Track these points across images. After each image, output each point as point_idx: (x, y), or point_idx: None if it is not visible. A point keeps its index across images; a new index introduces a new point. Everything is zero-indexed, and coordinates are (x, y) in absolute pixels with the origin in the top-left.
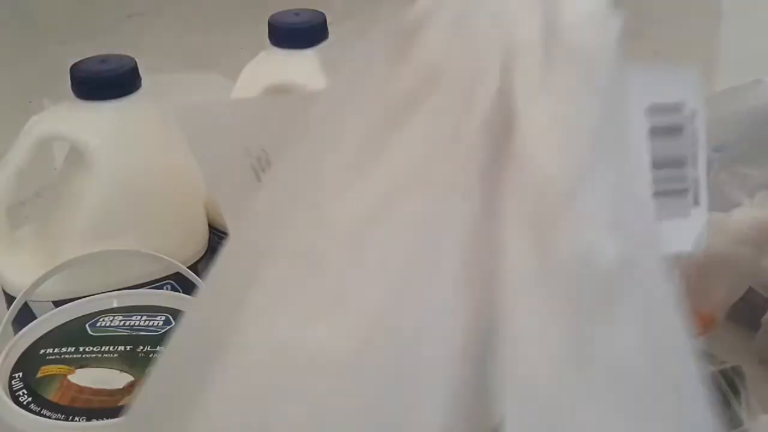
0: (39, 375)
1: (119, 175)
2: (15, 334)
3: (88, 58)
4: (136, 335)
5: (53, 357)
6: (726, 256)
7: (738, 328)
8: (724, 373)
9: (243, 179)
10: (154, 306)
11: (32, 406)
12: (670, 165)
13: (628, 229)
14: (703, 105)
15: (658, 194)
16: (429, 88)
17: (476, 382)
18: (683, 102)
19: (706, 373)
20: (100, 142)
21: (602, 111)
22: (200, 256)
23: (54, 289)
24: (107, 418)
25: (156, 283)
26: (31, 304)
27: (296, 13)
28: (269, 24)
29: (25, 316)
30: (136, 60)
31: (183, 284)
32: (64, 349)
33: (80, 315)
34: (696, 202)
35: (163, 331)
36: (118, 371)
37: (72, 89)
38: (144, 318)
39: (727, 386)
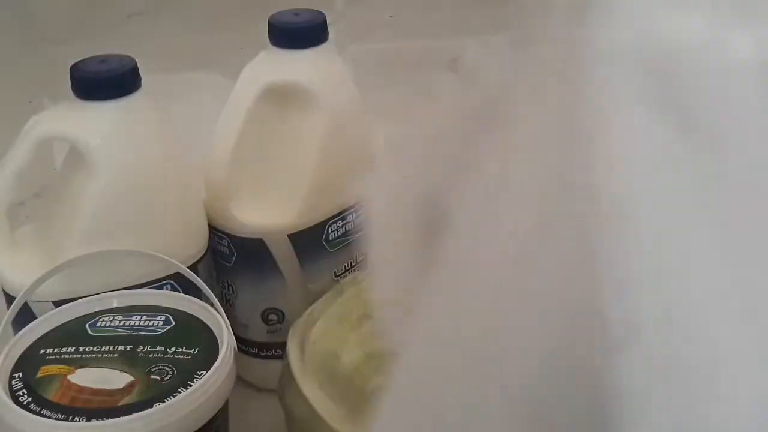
0: (39, 375)
1: (119, 175)
2: (15, 334)
3: (88, 58)
4: (136, 335)
5: (53, 357)
6: None
7: None
8: None
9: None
10: (154, 306)
11: (32, 406)
12: None
13: None
14: None
15: None
16: None
17: None
18: None
19: None
20: (100, 142)
21: None
22: (200, 256)
23: (54, 289)
24: (107, 418)
25: (156, 283)
26: (31, 304)
27: (296, 13)
28: (269, 24)
29: (25, 316)
30: (136, 60)
31: (183, 284)
32: (64, 349)
33: (80, 315)
34: None
35: (163, 331)
36: (118, 371)
37: (72, 89)
38: (144, 318)
39: None
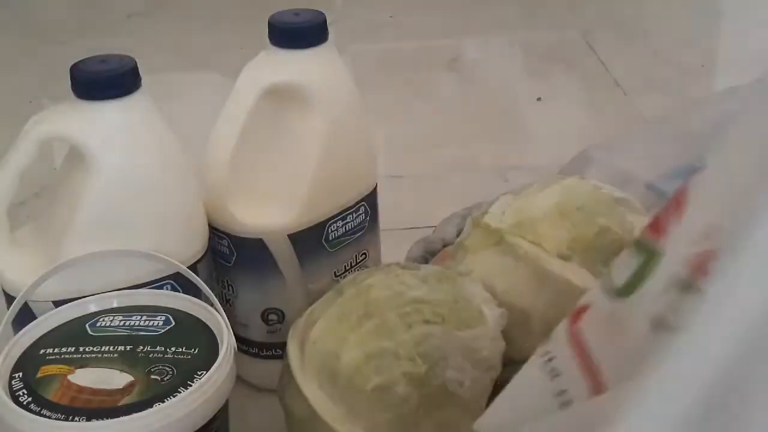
0: (39, 375)
1: (119, 175)
2: (15, 334)
3: (88, 58)
4: (136, 335)
5: (53, 357)
6: None
7: None
8: None
9: None
10: (154, 306)
11: (32, 406)
12: None
13: None
14: None
15: None
16: None
17: None
18: None
19: None
20: (100, 142)
21: None
22: (200, 256)
23: (54, 289)
24: (107, 418)
25: (156, 283)
26: (31, 304)
27: (296, 13)
28: (269, 24)
29: (25, 316)
30: (136, 60)
31: (183, 284)
32: (64, 349)
33: (80, 315)
34: None
35: (163, 331)
36: (118, 371)
37: (72, 89)
38: (144, 318)
39: None
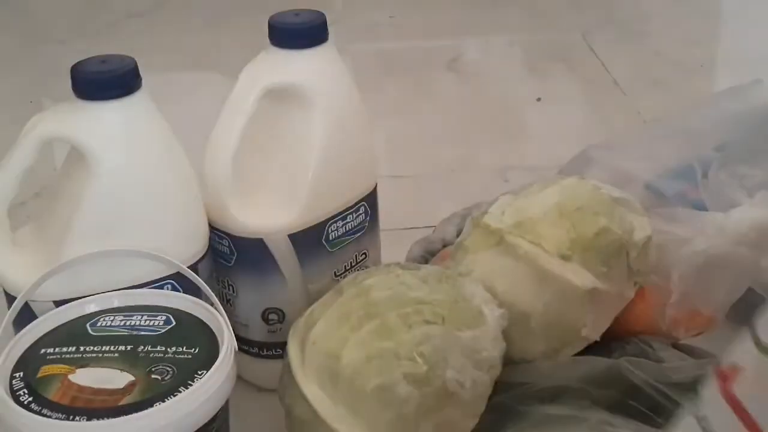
0: (40, 375)
1: (119, 175)
2: (16, 334)
3: (88, 58)
4: (136, 335)
5: (54, 357)
6: (726, 257)
7: (738, 328)
8: None
9: None
10: (155, 306)
11: (33, 405)
12: None
13: None
14: None
15: None
16: None
17: None
18: None
19: (707, 373)
20: (100, 142)
21: None
22: (200, 256)
23: (54, 289)
24: (108, 418)
25: (156, 283)
26: (31, 304)
27: (296, 13)
28: (269, 24)
29: (25, 316)
30: (136, 60)
31: (183, 284)
32: (64, 349)
33: (81, 315)
34: None
35: (163, 330)
36: (118, 371)
37: (72, 89)
38: (144, 318)
39: None
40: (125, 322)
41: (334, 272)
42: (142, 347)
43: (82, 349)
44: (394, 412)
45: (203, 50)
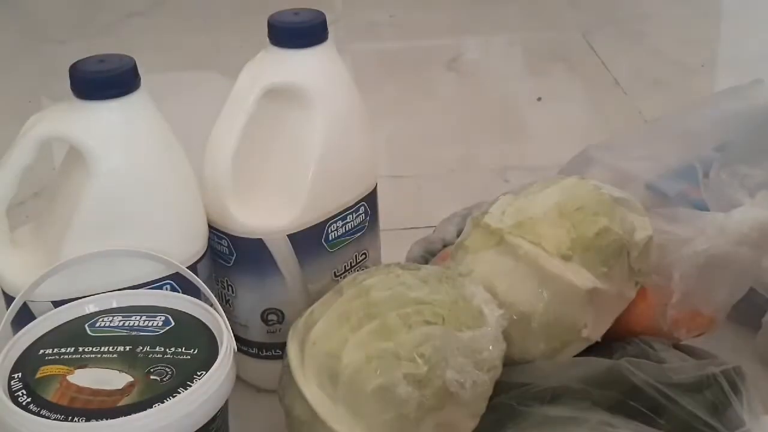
0: (38, 375)
1: (118, 174)
2: (14, 334)
3: (87, 58)
4: (135, 335)
5: (52, 357)
6: (727, 257)
7: (739, 328)
8: (725, 374)
9: None
10: (154, 306)
11: (31, 406)
12: None
13: None
14: None
15: None
16: None
17: None
18: None
19: (708, 374)
20: (99, 141)
21: None
22: (200, 256)
23: (53, 289)
24: (107, 419)
25: (156, 283)
26: (30, 305)
27: (296, 12)
28: (269, 23)
29: (24, 316)
30: (136, 59)
31: (182, 284)
32: (63, 350)
33: (79, 315)
34: None
35: (162, 331)
36: (117, 371)
37: (71, 89)
38: (144, 318)
39: (729, 386)
40: (124, 323)
41: (334, 272)
42: (141, 348)
43: (80, 349)
44: (394, 413)
45: (203, 50)
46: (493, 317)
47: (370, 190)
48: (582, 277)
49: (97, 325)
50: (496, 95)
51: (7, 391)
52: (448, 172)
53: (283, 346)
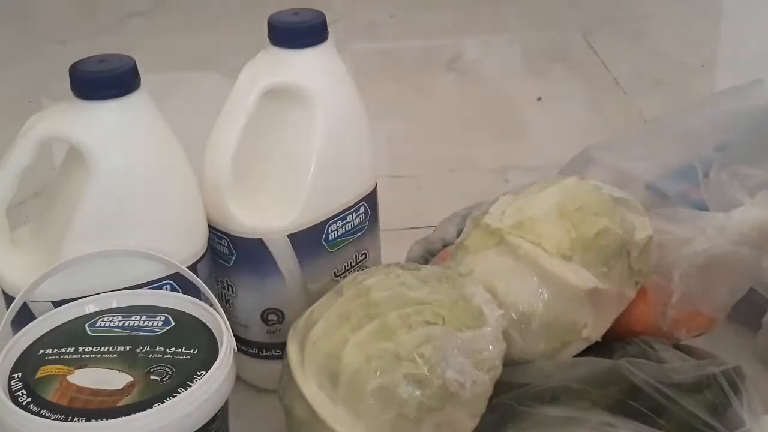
0: (38, 375)
1: (118, 174)
2: (14, 334)
3: (87, 58)
4: (135, 335)
5: (52, 357)
6: (727, 257)
7: (739, 328)
8: (725, 374)
9: None
10: (154, 306)
11: (31, 406)
12: None
13: None
14: None
15: None
16: None
17: None
18: None
19: (708, 374)
20: (99, 141)
21: None
22: (200, 256)
23: (53, 289)
24: (107, 419)
25: (156, 283)
26: (30, 305)
27: (296, 12)
28: (269, 24)
29: (24, 316)
30: (136, 59)
31: (182, 284)
32: (63, 350)
33: (79, 315)
34: None
35: (162, 331)
36: (117, 371)
37: (71, 89)
38: (143, 318)
39: (729, 386)
40: (124, 323)
41: (334, 272)
42: (141, 348)
43: (80, 349)
44: (394, 413)
45: (203, 50)
46: (493, 317)
47: (370, 190)
48: (582, 277)
49: (97, 325)
50: (496, 95)
51: (7, 391)
52: (448, 172)
53: (283, 346)
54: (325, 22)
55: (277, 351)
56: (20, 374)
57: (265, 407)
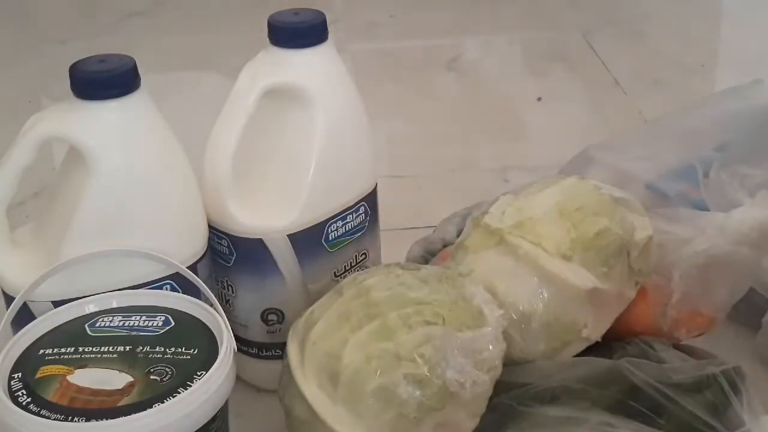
0: (38, 375)
1: (118, 174)
2: (14, 334)
3: (87, 58)
4: (135, 335)
5: (52, 357)
6: (727, 257)
7: (739, 328)
8: (725, 374)
9: None
10: (154, 306)
11: (31, 406)
12: None
13: None
14: None
15: None
16: None
17: None
18: None
19: (708, 374)
20: (99, 141)
21: None
22: (200, 256)
23: (53, 289)
24: (107, 419)
25: (156, 283)
26: (30, 305)
27: (296, 12)
28: (269, 24)
29: (24, 316)
30: (136, 59)
31: (182, 284)
32: (63, 350)
33: (79, 315)
34: None
35: (162, 331)
36: (117, 371)
37: (71, 89)
38: (143, 318)
39: (729, 386)
40: (124, 323)
41: (334, 272)
42: (141, 348)
43: (80, 349)
44: (394, 413)
45: (203, 50)
46: (493, 317)
47: (370, 190)
48: (582, 277)
49: (97, 325)
50: (496, 95)
51: (7, 391)
52: (448, 172)
53: (283, 346)
54: (325, 22)
55: (277, 351)
56: (20, 374)
57: (265, 407)
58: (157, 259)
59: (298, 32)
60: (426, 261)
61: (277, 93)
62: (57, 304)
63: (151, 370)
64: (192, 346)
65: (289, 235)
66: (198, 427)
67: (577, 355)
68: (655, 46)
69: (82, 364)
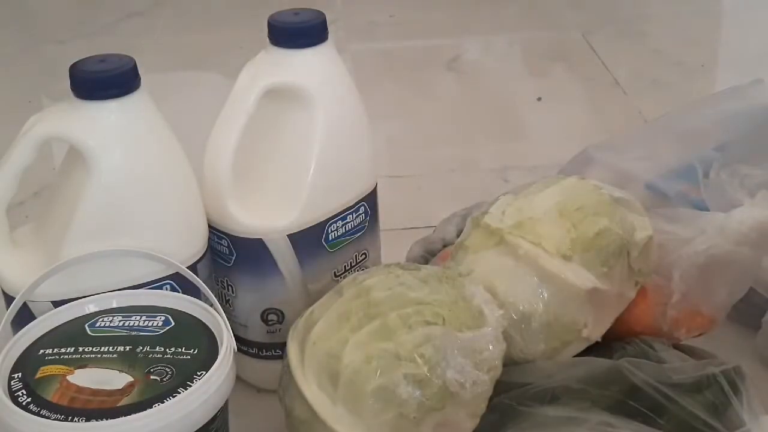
0: (38, 375)
1: (118, 174)
2: (14, 334)
3: (87, 58)
4: (135, 335)
5: (52, 357)
6: (727, 257)
7: (739, 328)
8: (725, 374)
9: None
10: (154, 306)
11: (31, 406)
12: None
13: None
14: None
15: None
16: None
17: None
18: None
19: (708, 374)
20: (99, 141)
21: None
22: (199, 256)
23: (53, 289)
24: (107, 419)
25: (156, 283)
26: (30, 305)
27: (296, 12)
28: (269, 23)
29: (24, 316)
30: (136, 59)
31: (182, 284)
32: (63, 350)
33: (79, 315)
34: None
35: (162, 331)
36: (117, 371)
37: (71, 89)
38: (143, 318)
39: (729, 386)
40: (124, 323)
41: (334, 272)
42: (141, 348)
43: (80, 349)
44: (394, 413)
45: (203, 50)
46: (493, 317)
47: (370, 190)
48: (582, 277)
49: (97, 325)
50: (496, 95)
51: (7, 391)
52: (448, 172)
53: (283, 346)
54: (325, 22)
55: (277, 351)
56: (20, 374)
57: (265, 407)
58: (157, 259)
59: (298, 32)
60: (426, 261)
61: (277, 93)
62: (57, 304)
63: (151, 370)
64: (192, 346)
65: (289, 235)
66: (198, 427)
67: (577, 355)
68: (655, 46)
69: (82, 364)
